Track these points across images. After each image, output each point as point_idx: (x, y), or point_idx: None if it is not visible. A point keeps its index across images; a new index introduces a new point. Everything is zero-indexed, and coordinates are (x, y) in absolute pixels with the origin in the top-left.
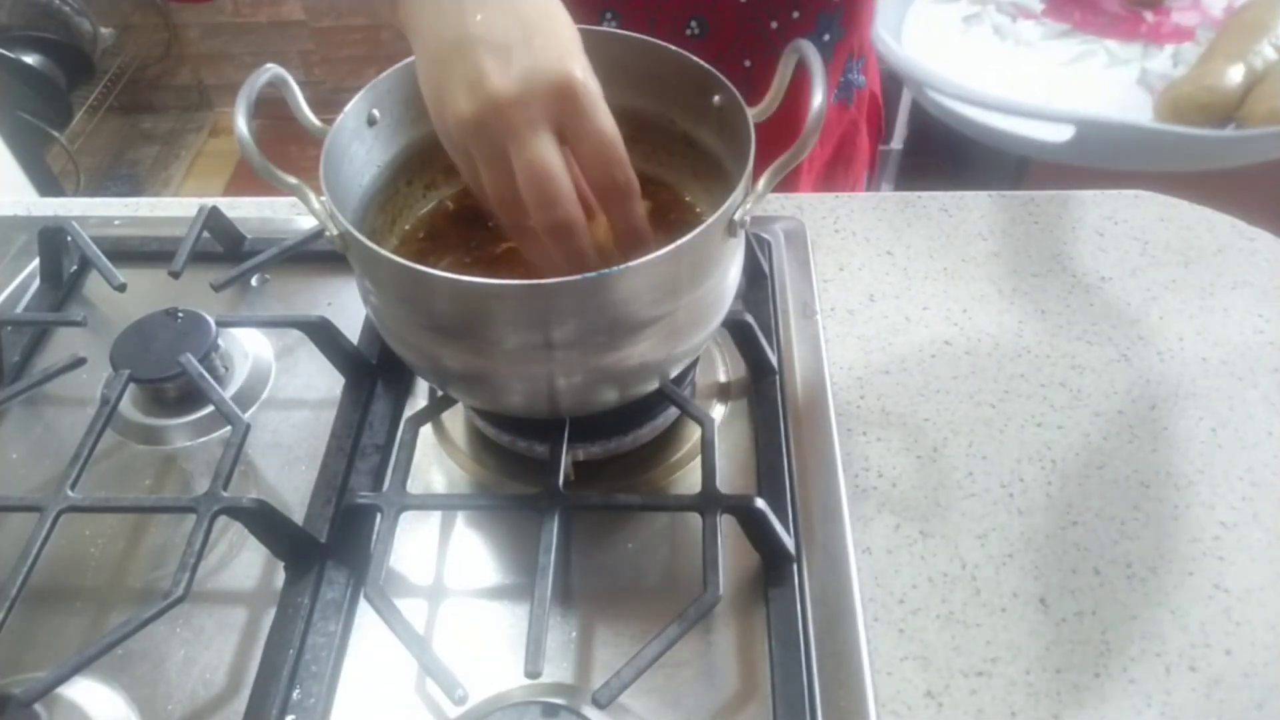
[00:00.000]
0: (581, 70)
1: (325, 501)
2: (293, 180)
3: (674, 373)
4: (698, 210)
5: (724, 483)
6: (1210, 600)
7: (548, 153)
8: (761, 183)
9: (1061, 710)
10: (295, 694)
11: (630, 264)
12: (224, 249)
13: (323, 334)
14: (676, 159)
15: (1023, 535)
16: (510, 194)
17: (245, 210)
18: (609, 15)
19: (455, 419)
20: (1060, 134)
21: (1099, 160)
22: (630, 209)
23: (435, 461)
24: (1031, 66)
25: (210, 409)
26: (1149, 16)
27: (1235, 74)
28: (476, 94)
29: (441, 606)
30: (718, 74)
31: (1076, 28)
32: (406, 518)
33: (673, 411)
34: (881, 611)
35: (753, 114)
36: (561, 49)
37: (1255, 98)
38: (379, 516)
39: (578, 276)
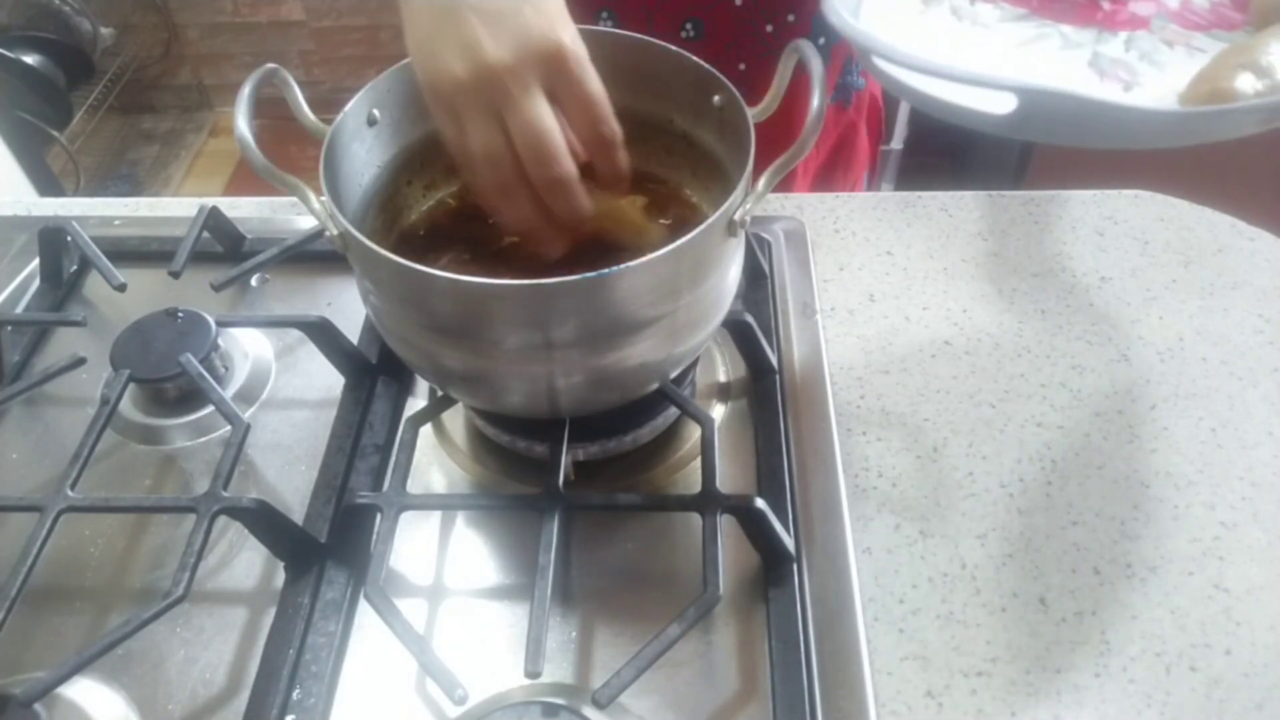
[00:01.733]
0: (570, 38)
1: (325, 501)
2: (293, 180)
3: (674, 373)
4: (698, 210)
5: (724, 483)
6: (1210, 600)
7: (543, 113)
8: (761, 183)
9: (1061, 710)
10: (295, 694)
11: (630, 264)
12: (224, 249)
13: (323, 334)
14: (676, 159)
15: (1023, 535)
16: (499, 152)
17: (245, 210)
18: (605, 15)
19: (455, 419)
20: (1003, 105)
21: (1041, 135)
22: (616, 157)
23: (435, 461)
24: (986, 47)
25: (210, 409)
26: (1105, 4)
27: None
28: (471, 58)
29: (441, 606)
30: (718, 74)
31: (1034, 12)
32: (406, 518)
33: (673, 411)
34: (881, 611)
35: (752, 114)
36: (551, 17)
37: (1198, 78)
38: (379, 516)
39: (577, 276)
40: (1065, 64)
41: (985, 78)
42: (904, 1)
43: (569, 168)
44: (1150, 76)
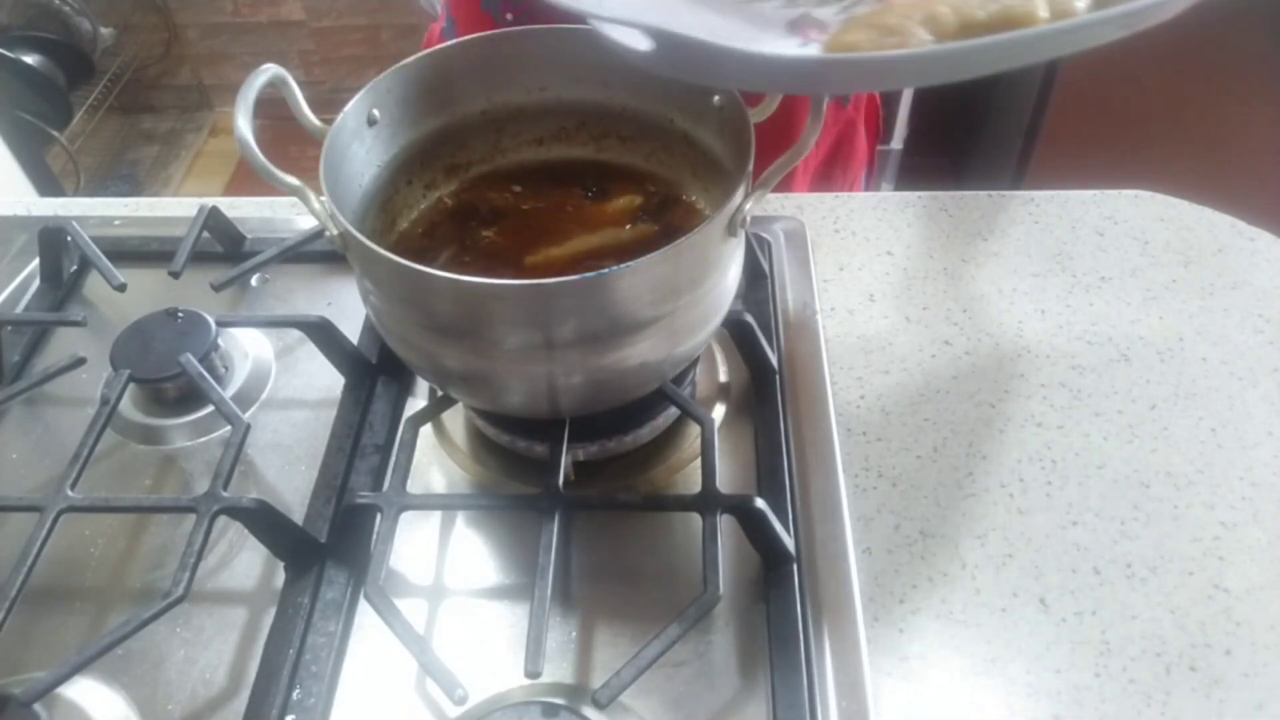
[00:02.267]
0: None
1: (325, 501)
2: (293, 180)
3: (674, 373)
4: (698, 209)
5: (724, 483)
6: (1210, 600)
7: None
8: (761, 182)
9: (1061, 710)
10: (295, 694)
11: (630, 264)
12: (224, 249)
13: (323, 334)
14: (677, 158)
15: (1023, 535)
16: None
17: (245, 210)
18: None
19: (455, 419)
20: (646, 43)
21: (685, 73)
22: None
23: (435, 461)
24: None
25: (210, 409)
26: None
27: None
28: None
29: (441, 606)
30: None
31: None
32: (406, 518)
33: (673, 411)
34: (881, 611)
35: (752, 114)
36: None
37: (839, 29)
38: (379, 516)
39: (577, 277)
40: (767, 18)
41: (623, 19)
42: None
43: None
44: None
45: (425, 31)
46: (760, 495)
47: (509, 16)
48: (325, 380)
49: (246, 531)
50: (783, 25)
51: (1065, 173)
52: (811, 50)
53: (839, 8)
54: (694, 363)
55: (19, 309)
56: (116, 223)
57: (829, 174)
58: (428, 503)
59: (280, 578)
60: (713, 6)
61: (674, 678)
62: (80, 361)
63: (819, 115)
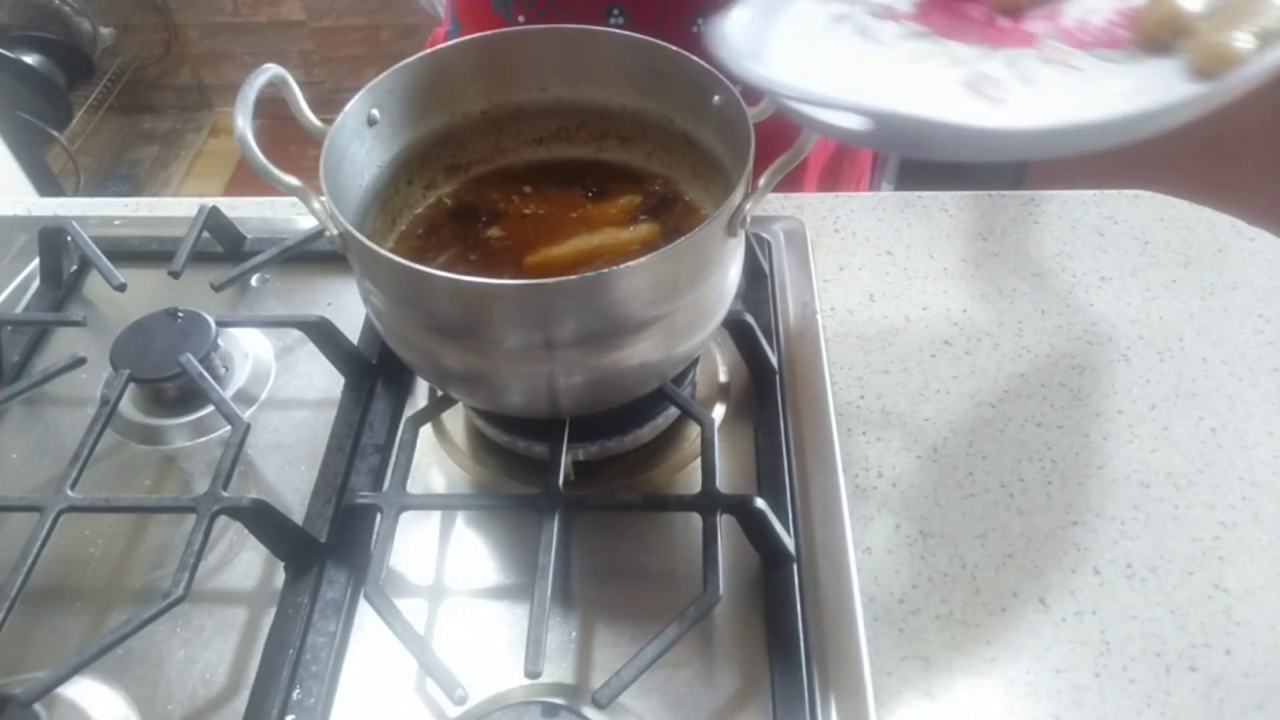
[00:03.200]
0: None
1: (325, 501)
2: (293, 180)
3: (674, 373)
4: (698, 209)
5: (724, 483)
6: (1210, 600)
7: None
8: (761, 182)
9: (1061, 710)
10: (295, 694)
11: (630, 264)
12: (224, 249)
13: (323, 334)
14: (677, 158)
15: (1023, 535)
16: None
17: (245, 210)
18: (615, 12)
19: (455, 419)
20: (861, 123)
21: (898, 148)
22: None
23: (435, 461)
24: (875, 63)
25: (210, 409)
26: (1005, 23)
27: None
28: None
29: (441, 606)
30: (718, 74)
31: (931, 30)
32: (406, 518)
33: (673, 411)
34: (881, 611)
35: (752, 114)
36: None
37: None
38: (379, 516)
39: (577, 276)
40: (942, 81)
41: (836, 101)
42: (810, 21)
43: None
44: (1019, 94)
45: (426, 32)
46: (760, 495)
47: (521, 19)
48: (325, 380)
49: (246, 531)
50: (959, 86)
51: (1065, 173)
52: (1005, 111)
53: (1001, 60)
54: (694, 363)
55: (19, 309)
56: (116, 223)
57: (836, 170)
58: (428, 503)
59: (280, 578)
60: (881, 74)
61: (674, 678)
62: (80, 361)
63: None
